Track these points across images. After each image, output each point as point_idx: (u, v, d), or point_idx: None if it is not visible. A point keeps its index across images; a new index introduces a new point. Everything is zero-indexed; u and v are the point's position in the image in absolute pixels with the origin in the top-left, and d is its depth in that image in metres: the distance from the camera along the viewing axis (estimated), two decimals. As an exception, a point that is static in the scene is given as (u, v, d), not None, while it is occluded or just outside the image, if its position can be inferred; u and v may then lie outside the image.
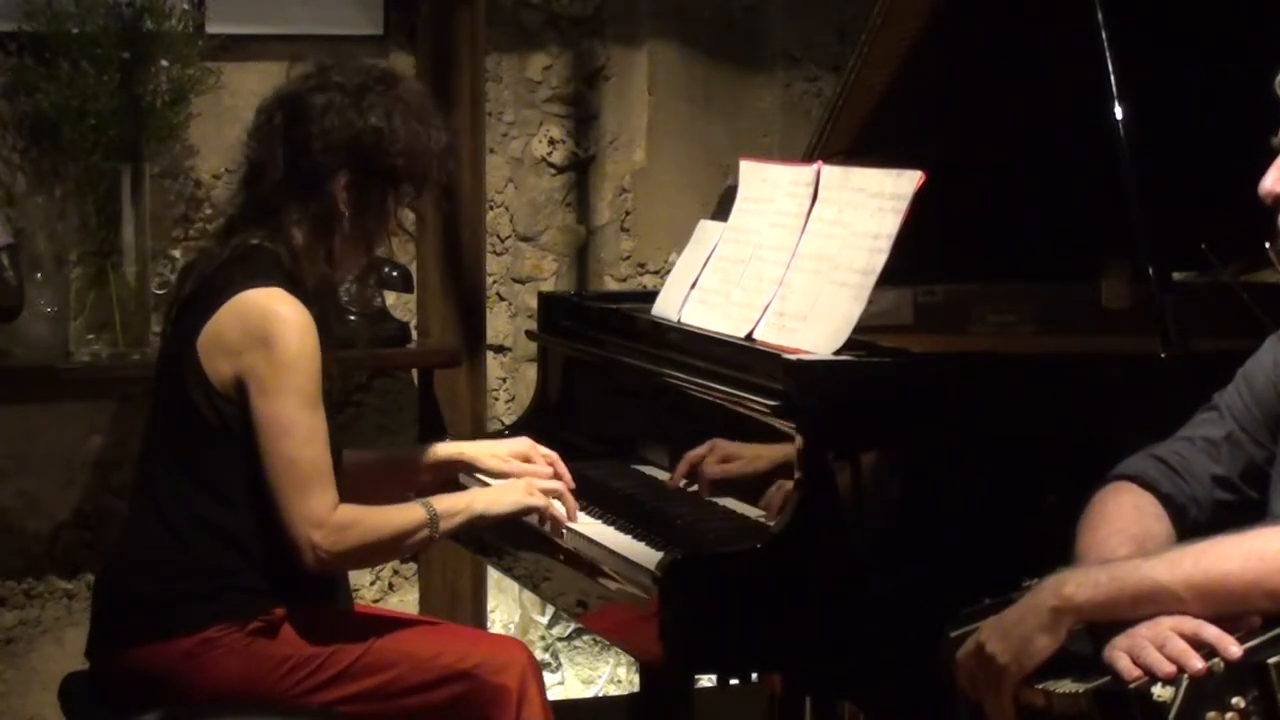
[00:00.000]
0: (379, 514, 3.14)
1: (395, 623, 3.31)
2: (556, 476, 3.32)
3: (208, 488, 3.09)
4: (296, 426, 3.02)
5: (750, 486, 3.13)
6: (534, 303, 4.11)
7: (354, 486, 3.17)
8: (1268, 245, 2.61)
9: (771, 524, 2.97)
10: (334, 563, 3.09)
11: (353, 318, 4.15)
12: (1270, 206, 2.59)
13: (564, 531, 3.19)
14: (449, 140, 3.24)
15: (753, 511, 3.11)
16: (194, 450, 3.10)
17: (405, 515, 3.15)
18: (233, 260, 3.13)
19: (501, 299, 4.82)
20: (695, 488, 3.28)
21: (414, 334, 4.58)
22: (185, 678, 3.05)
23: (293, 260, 3.13)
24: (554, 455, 3.38)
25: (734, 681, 3.05)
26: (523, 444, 3.41)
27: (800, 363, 3.00)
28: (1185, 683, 2.25)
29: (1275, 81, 2.60)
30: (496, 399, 4.80)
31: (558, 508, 3.21)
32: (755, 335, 3.21)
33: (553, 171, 4.86)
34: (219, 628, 3.06)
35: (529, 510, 3.20)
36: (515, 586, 4.68)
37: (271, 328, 3.04)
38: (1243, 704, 2.25)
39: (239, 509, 3.08)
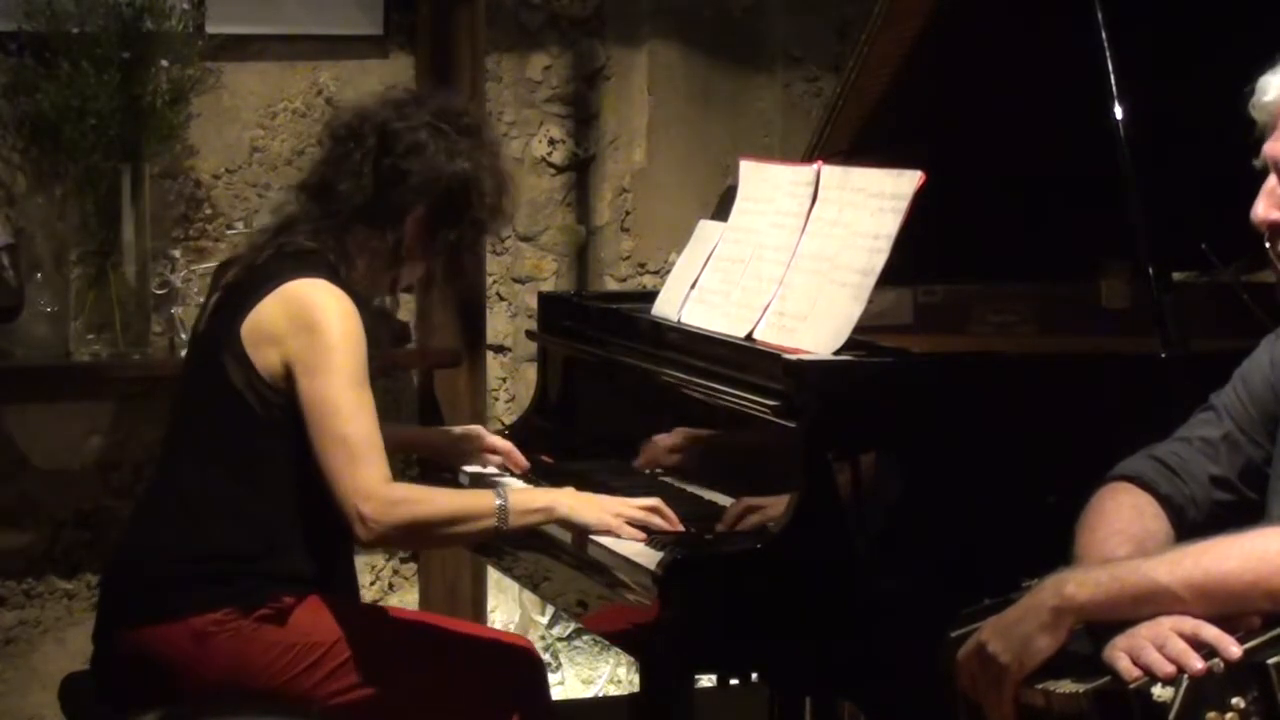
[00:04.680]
0: (436, 493, 3.17)
1: (401, 617, 3.31)
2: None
3: (236, 472, 3.11)
4: (344, 403, 3.04)
5: (750, 486, 3.13)
6: (534, 303, 4.11)
7: None
8: (1268, 245, 2.61)
9: (771, 524, 2.97)
10: (386, 536, 3.05)
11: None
12: (1264, 233, 2.60)
13: (588, 544, 3.11)
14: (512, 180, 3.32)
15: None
16: (228, 435, 3.12)
17: (468, 500, 3.15)
18: (282, 255, 3.17)
19: (501, 299, 4.82)
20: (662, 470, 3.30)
21: (414, 334, 4.58)
22: (189, 661, 3.07)
23: (348, 273, 3.16)
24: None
25: (734, 681, 3.05)
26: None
27: (800, 363, 3.00)
28: (1185, 683, 2.25)
29: (1250, 102, 2.60)
30: (496, 399, 4.80)
31: (631, 533, 3.07)
32: (755, 335, 3.21)
33: (553, 171, 4.86)
34: (227, 611, 3.07)
35: (609, 533, 3.08)
36: (515, 586, 4.68)
37: (315, 313, 3.07)
38: (1243, 704, 2.25)
39: (265, 496, 3.10)
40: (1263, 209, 2.59)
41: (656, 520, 3.07)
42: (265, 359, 3.09)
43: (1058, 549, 2.61)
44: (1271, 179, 2.58)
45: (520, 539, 3.23)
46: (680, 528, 3.08)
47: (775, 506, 2.98)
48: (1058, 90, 3.38)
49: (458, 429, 3.66)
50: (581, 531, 3.09)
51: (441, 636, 3.25)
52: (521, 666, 3.20)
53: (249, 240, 3.42)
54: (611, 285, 4.86)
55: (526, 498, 3.15)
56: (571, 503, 3.13)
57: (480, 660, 3.17)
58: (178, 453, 3.21)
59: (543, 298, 3.99)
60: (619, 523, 3.06)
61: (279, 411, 3.08)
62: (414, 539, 3.43)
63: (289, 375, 3.08)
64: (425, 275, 3.29)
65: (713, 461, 3.31)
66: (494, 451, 3.54)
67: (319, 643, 3.10)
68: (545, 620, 4.86)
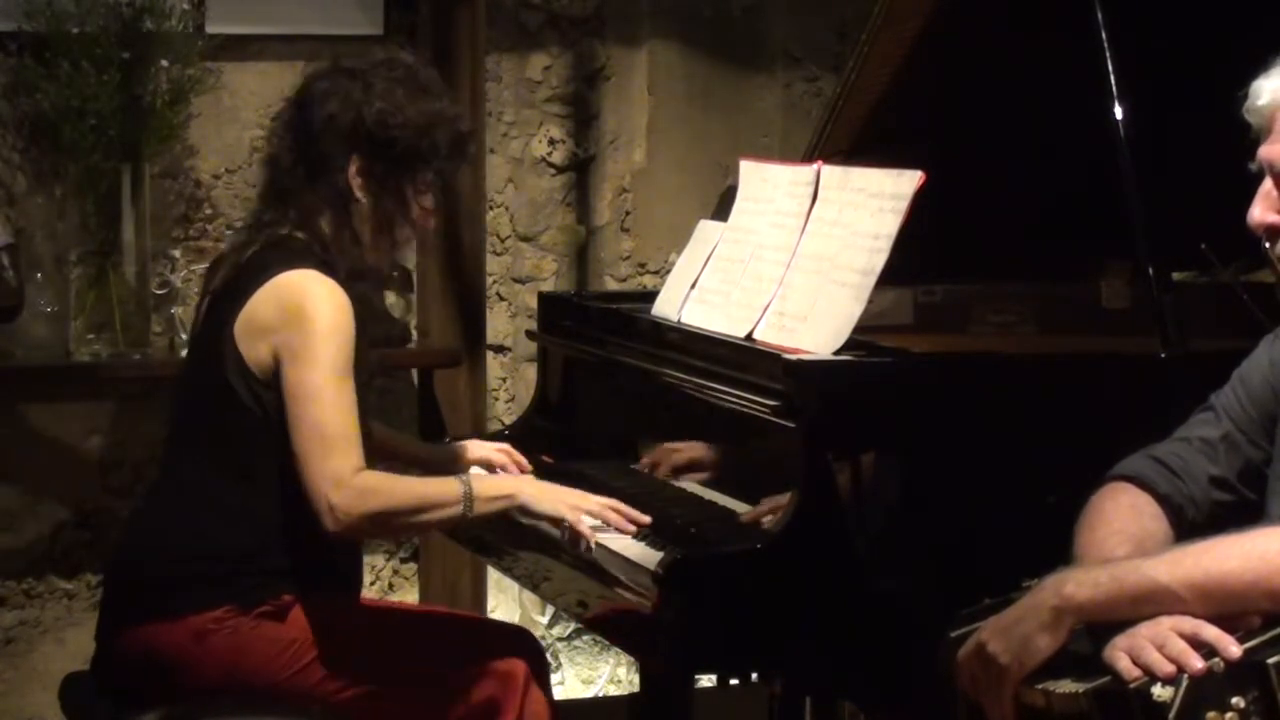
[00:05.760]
0: (406, 482, 3.16)
1: (401, 612, 3.32)
2: None
3: (237, 471, 3.12)
4: (324, 392, 3.04)
5: (750, 486, 3.13)
6: (534, 303, 4.11)
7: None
8: (1267, 245, 2.61)
9: (771, 524, 2.97)
10: (354, 526, 3.06)
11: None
12: (1261, 237, 2.60)
13: (590, 546, 3.11)
14: (461, 117, 3.25)
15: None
16: (227, 435, 3.13)
17: (436, 488, 3.14)
18: (265, 249, 3.17)
19: (501, 299, 4.82)
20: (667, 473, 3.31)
21: (414, 334, 4.58)
22: (189, 660, 3.08)
23: (322, 248, 3.16)
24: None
25: (734, 681, 3.05)
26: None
27: (800, 363, 3.00)
28: (1185, 683, 2.25)
29: (1244, 107, 2.61)
30: (496, 399, 4.80)
31: (587, 525, 3.12)
32: (755, 335, 3.21)
33: (553, 171, 4.86)
34: (227, 609, 3.08)
35: (565, 521, 3.13)
36: (515, 586, 4.68)
37: (306, 303, 3.07)
38: (1242, 704, 2.25)
39: (267, 494, 3.11)
40: (1259, 212, 2.59)
41: (612, 516, 3.11)
42: (257, 354, 3.09)
43: (1058, 549, 2.61)
44: (1267, 182, 2.59)
45: (486, 525, 3.29)
46: (632, 528, 3.09)
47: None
48: (1058, 90, 3.38)
49: (453, 447, 3.62)
50: (542, 519, 3.15)
51: (442, 629, 3.26)
52: (523, 656, 3.21)
53: (231, 240, 3.42)
54: (611, 285, 4.86)
55: (490, 485, 3.17)
56: (532, 491, 3.17)
57: (482, 651, 3.18)
58: (178, 452, 3.22)
59: (543, 298, 3.99)
60: (575, 515, 3.11)
61: (274, 409, 3.09)
62: (382, 528, 3.45)
63: (278, 366, 3.08)
64: (387, 224, 3.21)
65: (713, 462, 3.31)
66: (490, 465, 3.53)
67: (318, 640, 3.10)
68: (545, 620, 4.86)
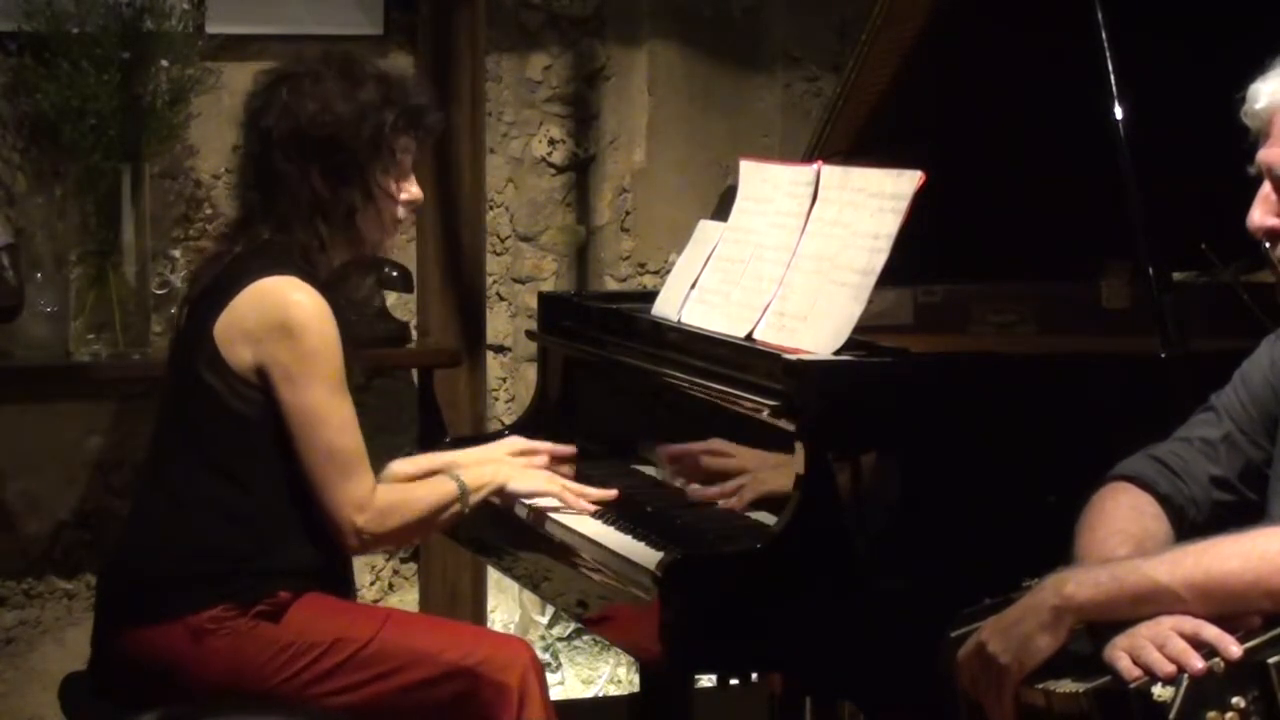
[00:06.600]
0: (415, 493, 3.23)
1: (399, 617, 3.31)
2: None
3: (223, 471, 3.12)
4: (332, 414, 3.08)
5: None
6: (534, 303, 4.11)
7: None
8: (1267, 246, 2.61)
9: (771, 524, 2.97)
10: (376, 544, 3.21)
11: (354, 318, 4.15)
12: (1261, 240, 2.60)
13: (545, 523, 3.23)
14: (408, 90, 3.21)
15: (753, 511, 3.11)
16: (210, 435, 3.13)
17: (439, 491, 3.22)
18: (246, 254, 3.17)
19: (501, 299, 4.82)
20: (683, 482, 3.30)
21: (414, 334, 4.58)
22: (186, 661, 3.08)
23: (303, 253, 3.16)
24: (546, 445, 3.41)
25: (734, 681, 3.05)
26: (515, 443, 3.44)
27: (800, 363, 3.00)
28: (1185, 682, 2.26)
29: (1242, 110, 2.61)
30: (496, 399, 4.80)
31: (569, 499, 3.25)
32: (755, 335, 3.21)
33: (553, 171, 4.86)
34: (223, 608, 3.08)
35: (546, 494, 3.26)
36: (515, 586, 4.68)
37: (291, 315, 3.08)
38: (1243, 704, 2.25)
39: (254, 493, 3.12)
40: (1258, 216, 2.59)
41: (569, 496, 3.25)
42: (239, 357, 3.10)
43: (1058, 549, 2.61)
44: (1266, 185, 2.59)
45: (482, 521, 3.39)
46: (587, 506, 3.23)
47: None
48: (1058, 90, 3.38)
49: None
50: (526, 496, 3.28)
51: (439, 637, 3.25)
52: (520, 667, 3.20)
53: (213, 247, 3.43)
54: (611, 285, 4.86)
55: (476, 476, 3.25)
56: (507, 472, 3.28)
57: (478, 661, 3.18)
58: (166, 454, 3.22)
59: (543, 298, 3.99)
60: (554, 485, 3.25)
61: (258, 409, 3.10)
62: (399, 541, 3.54)
63: (263, 376, 3.09)
64: (361, 214, 3.19)
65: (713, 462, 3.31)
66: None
67: (317, 642, 3.10)
68: (545, 620, 4.86)
